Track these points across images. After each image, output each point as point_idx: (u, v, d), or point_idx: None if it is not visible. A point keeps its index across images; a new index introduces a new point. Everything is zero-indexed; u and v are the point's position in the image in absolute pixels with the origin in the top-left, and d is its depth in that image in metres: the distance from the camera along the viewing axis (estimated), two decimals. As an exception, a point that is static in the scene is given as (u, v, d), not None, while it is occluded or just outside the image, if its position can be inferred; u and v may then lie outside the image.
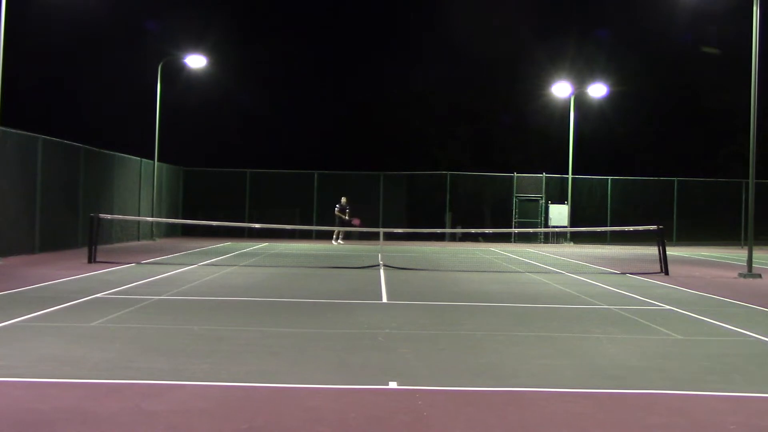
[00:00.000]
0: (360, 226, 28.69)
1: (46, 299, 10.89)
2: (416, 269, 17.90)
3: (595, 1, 56.89)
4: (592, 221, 33.14)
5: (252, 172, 34.54)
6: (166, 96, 29.82)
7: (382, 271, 16.80)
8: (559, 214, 33.41)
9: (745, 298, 13.13)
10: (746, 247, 18.99)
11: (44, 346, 7.60)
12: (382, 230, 24.14)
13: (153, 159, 28.83)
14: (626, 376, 6.82)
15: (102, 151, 24.60)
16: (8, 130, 18.26)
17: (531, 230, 33.56)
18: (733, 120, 42.84)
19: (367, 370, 6.86)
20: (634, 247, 29.99)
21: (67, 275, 14.26)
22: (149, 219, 27.10)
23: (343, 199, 29.35)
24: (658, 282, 15.71)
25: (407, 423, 5.31)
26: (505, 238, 33.82)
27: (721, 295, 13.50)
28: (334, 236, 29.88)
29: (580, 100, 36.57)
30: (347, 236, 31.26)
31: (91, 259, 17.05)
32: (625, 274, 17.51)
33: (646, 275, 17.09)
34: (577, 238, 33.50)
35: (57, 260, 17.61)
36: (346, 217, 28.94)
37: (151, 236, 28.64)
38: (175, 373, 6.54)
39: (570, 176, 34.03)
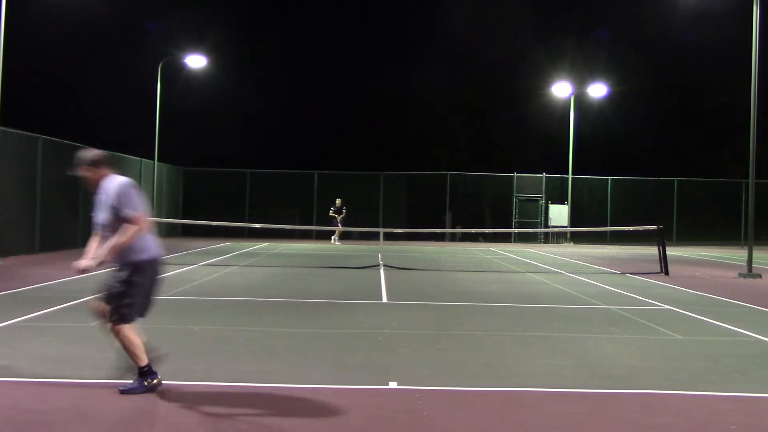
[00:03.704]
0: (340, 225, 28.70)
1: (46, 299, 10.88)
2: (416, 269, 17.89)
3: (595, 1, 56.93)
4: (592, 221, 33.13)
5: (252, 172, 34.54)
6: (166, 96, 29.82)
7: (382, 271, 16.80)
8: (559, 214, 33.39)
9: (745, 298, 13.12)
10: (746, 247, 18.99)
11: (44, 346, 7.60)
12: (382, 230, 24.13)
13: (153, 159, 28.83)
14: (626, 376, 6.81)
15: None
16: (8, 130, 18.26)
17: (531, 230, 33.55)
18: (733, 120, 42.82)
19: (367, 370, 6.86)
20: (634, 247, 30.00)
21: (67, 275, 14.24)
22: (149, 219, 27.07)
23: (338, 201, 29.32)
24: (658, 282, 15.70)
25: (407, 423, 5.30)
26: (505, 238, 33.80)
27: (721, 295, 13.50)
28: (334, 237, 29.89)
29: (580, 100, 36.55)
30: (346, 236, 31.24)
31: (91, 259, 17.01)
32: (625, 274, 17.51)
33: (646, 275, 17.09)
34: (577, 238, 33.49)
35: (57, 260, 17.60)
36: (338, 218, 28.89)
37: (151, 236, 28.60)
38: (175, 373, 6.53)
39: (570, 176, 34.02)
